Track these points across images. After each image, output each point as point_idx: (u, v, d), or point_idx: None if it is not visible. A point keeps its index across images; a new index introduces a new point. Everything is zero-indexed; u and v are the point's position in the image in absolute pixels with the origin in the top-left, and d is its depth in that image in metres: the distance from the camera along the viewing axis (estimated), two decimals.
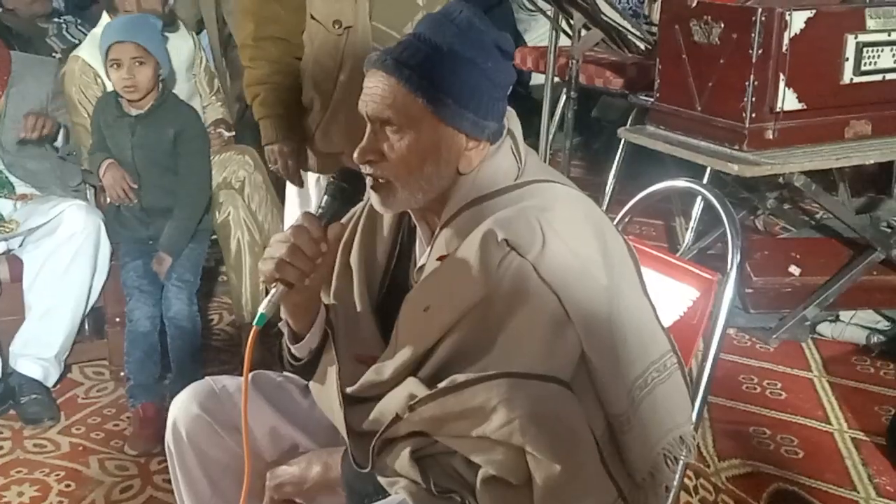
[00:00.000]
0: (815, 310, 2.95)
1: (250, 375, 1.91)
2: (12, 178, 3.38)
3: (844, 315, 3.05)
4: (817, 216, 3.63)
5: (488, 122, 1.63)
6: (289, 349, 1.78)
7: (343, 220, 1.72)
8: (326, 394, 1.74)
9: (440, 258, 1.65)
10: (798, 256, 3.08)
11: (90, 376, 3.47)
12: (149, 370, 3.19)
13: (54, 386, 3.32)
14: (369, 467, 1.63)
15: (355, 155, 1.66)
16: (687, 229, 3.28)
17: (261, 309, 1.60)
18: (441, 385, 1.55)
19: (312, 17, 2.57)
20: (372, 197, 1.69)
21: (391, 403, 1.63)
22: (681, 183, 2.09)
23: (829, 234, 3.25)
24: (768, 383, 2.77)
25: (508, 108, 1.71)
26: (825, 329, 3.04)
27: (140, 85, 3.18)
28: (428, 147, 1.61)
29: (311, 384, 1.79)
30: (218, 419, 1.87)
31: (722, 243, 3.16)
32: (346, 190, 1.67)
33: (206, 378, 1.96)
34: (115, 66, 3.17)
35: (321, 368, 1.76)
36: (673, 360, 1.68)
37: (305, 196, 2.80)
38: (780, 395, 2.71)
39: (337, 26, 2.47)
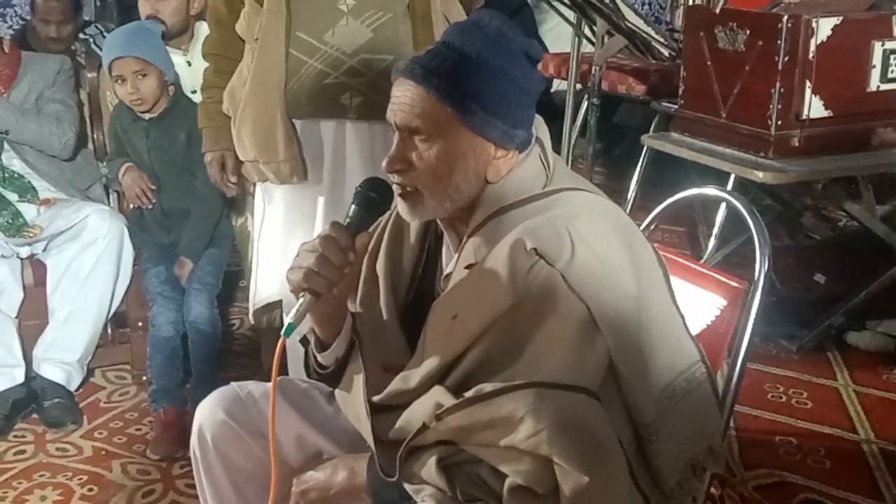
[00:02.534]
0: (841, 318, 2.93)
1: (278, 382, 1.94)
2: (35, 183, 3.39)
3: (870, 324, 3.02)
4: (840, 224, 3.61)
5: (517, 130, 1.63)
6: (315, 357, 1.78)
7: (370, 230, 1.71)
8: (352, 402, 1.73)
9: (468, 266, 1.64)
10: (823, 264, 3.06)
11: (112, 380, 3.47)
12: (171, 374, 3.19)
13: (77, 390, 3.32)
14: (396, 476, 1.62)
15: (384, 164, 1.66)
16: (710, 236, 3.27)
17: (288, 319, 1.59)
18: (468, 394, 1.54)
19: (239, 37, 2.58)
20: (400, 205, 1.69)
21: (418, 412, 1.62)
22: (709, 190, 2.08)
23: (853, 242, 3.23)
24: (794, 392, 2.75)
25: (536, 115, 1.70)
26: (851, 338, 3.02)
27: (146, 97, 3.19)
28: (457, 156, 1.61)
29: (337, 392, 1.79)
30: (243, 425, 1.87)
31: (746, 250, 3.16)
32: (373, 199, 1.66)
33: (232, 384, 1.95)
34: (119, 81, 3.19)
35: (347, 377, 1.75)
36: (702, 370, 1.68)
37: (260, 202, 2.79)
38: (807, 404, 2.69)
39: (253, 39, 2.48)
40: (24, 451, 3.01)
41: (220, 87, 2.62)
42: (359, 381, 1.71)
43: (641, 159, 3.62)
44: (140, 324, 3.42)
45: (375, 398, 1.69)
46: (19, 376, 3.22)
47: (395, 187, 1.67)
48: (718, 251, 3.27)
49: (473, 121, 1.59)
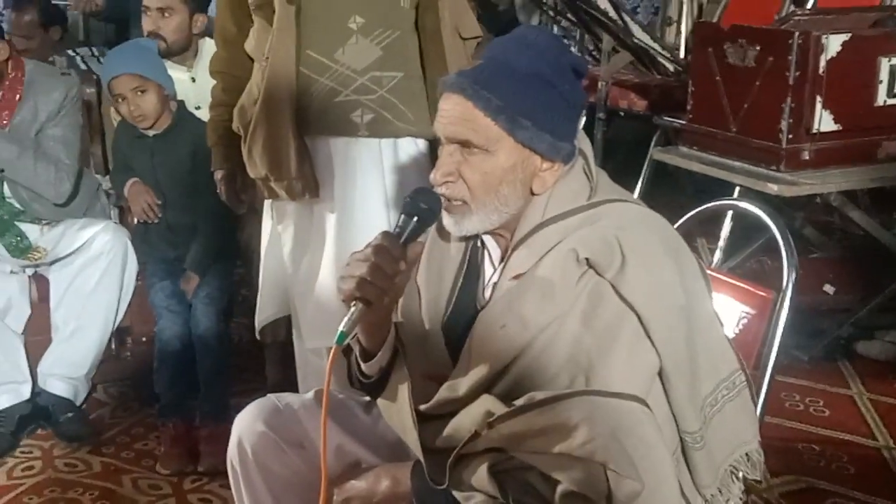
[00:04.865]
0: (850, 328, 2.98)
1: (316, 393, 1.94)
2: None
3: (879, 333, 3.08)
4: (835, 236, 3.66)
5: (563, 143, 1.66)
6: (359, 366, 1.79)
7: (421, 239, 1.73)
8: (397, 411, 1.74)
9: (515, 277, 1.66)
10: (832, 275, 3.11)
11: (115, 396, 3.46)
12: (179, 389, 3.17)
13: (80, 405, 3.29)
14: (446, 483, 1.63)
15: (432, 176, 1.68)
16: (716, 249, 3.31)
17: (340, 327, 1.59)
18: (520, 402, 1.56)
19: (248, 55, 2.59)
20: (446, 218, 1.70)
21: (466, 420, 1.64)
22: (733, 202, 2.12)
23: (856, 252, 3.28)
24: (810, 401, 2.79)
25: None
26: (861, 347, 3.07)
27: (147, 113, 3.19)
28: (505, 168, 1.64)
29: (381, 402, 1.79)
30: (282, 436, 1.87)
31: (752, 262, 3.21)
32: (423, 209, 1.66)
33: (269, 395, 1.96)
34: (119, 99, 3.20)
35: (391, 386, 1.75)
36: (741, 378, 1.71)
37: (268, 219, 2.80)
38: (824, 412, 2.74)
39: (263, 58, 2.49)
40: (32, 467, 2.99)
41: (229, 105, 2.62)
42: (404, 390, 1.71)
43: (643, 173, 3.67)
44: (144, 339, 3.40)
45: (422, 407, 1.70)
46: (26, 392, 3.20)
47: (442, 200, 1.68)
48: (724, 263, 3.31)
49: (523, 134, 1.62)
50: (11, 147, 3.17)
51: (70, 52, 4.54)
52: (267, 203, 2.70)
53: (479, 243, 1.79)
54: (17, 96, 3.24)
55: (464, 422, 1.64)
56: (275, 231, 2.68)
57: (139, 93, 3.16)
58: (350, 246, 2.31)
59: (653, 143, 3.63)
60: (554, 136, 1.64)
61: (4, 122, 3.21)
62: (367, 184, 2.48)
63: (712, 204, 2.09)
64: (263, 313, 2.79)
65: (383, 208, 2.48)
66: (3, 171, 3.21)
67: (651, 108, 3.74)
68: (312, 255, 2.56)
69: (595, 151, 3.42)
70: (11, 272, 3.27)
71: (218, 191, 2.78)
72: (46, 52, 4.39)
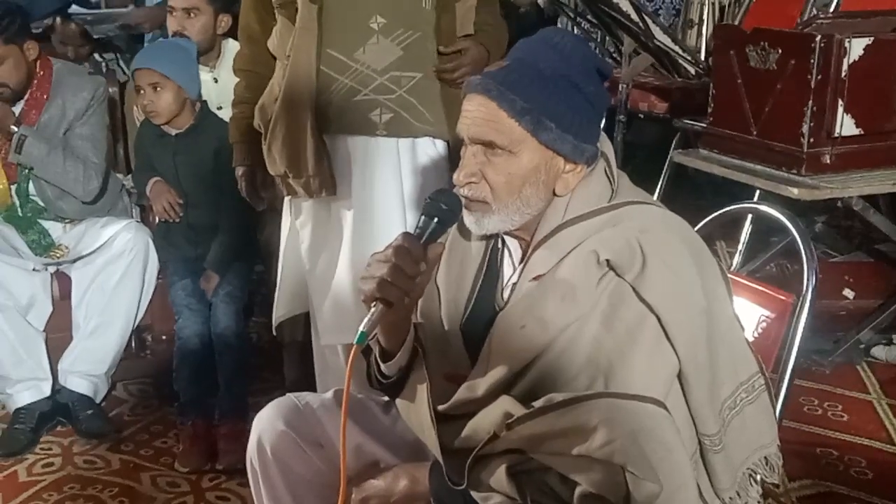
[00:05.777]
0: (870, 333, 2.97)
1: (335, 392, 1.96)
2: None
3: None
4: (855, 240, 3.65)
5: (586, 145, 1.66)
6: (378, 367, 1.79)
7: (441, 240, 1.73)
8: (416, 411, 1.75)
9: (535, 278, 1.67)
10: (851, 280, 3.10)
11: (134, 394, 3.48)
12: (198, 387, 3.19)
13: (100, 403, 3.32)
14: (464, 484, 1.64)
15: (455, 176, 1.69)
16: (735, 252, 3.31)
17: (361, 327, 1.59)
18: (539, 404, 1.56)
19: (271, 53, 2.61)
20: (467, 217, 1.71)
21: (485, 421, 1.64)
22: (753, 205, 2.12)
23: (876, 257, 3.27)
24: (829, 405, 2.79)
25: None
26: (879, 352, 3.06)
27: (159, 110, 3.22)
28: (528, 170, 1.64)
29: (400, 402, 1.80)
30: (302, 435, 1.88)
31: (772, 265, 3.20)
32: (444, 210, 1.67)
33: (289, 394, 1.97)
34: (138, 91, 3.23)
35: (410, 386, 1.76)
36: (760, 381, 1.72)
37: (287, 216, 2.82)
38: (842, 416, 2.73)
39: (285, 56, 2.51)
40: (52, 464, 3.01)
41: (251, 103, 2.64)
42: (422, 390, 1.72)
43: (663, 176, 3.67)
44: (164, 337, 3.42)
45: (441, 407, 1.70)
46: (46, 389, 3.23)
47: (463, 199, 1.69)
48: (743, 266, 3.31)
49: (547, 136, 1.62)
50: (41, 145, 3.19)
51: (97, 56, 4.57)
52: (286, 200, 2.72)
53: (499, 244, 1.79)
54: (45, 95, 3.27)
55: (482, 423, 1.65)
56: (293, 228, 2.70)
57: (155, 89, 3.19)
58: (367, 244, 2.33)
59: (673, 146, 3.63)
60: (578, 138, 1.64)
61: (33, 120, 3.24)
62: (384, 183, 2.50)
63: (733, 207, 2.10)
64: (281, 310, 2.81)
65: (400, 207, 2.49)
66: (31, 168, 3.23)
67: (671, 111, 3.74)
68: (330, 253, 2.57)
69: (615, 153, 3.45)
70: (34, 269, 3.30)
71: (239, 187, 2.80)
72: (85, 59, 4.42)
